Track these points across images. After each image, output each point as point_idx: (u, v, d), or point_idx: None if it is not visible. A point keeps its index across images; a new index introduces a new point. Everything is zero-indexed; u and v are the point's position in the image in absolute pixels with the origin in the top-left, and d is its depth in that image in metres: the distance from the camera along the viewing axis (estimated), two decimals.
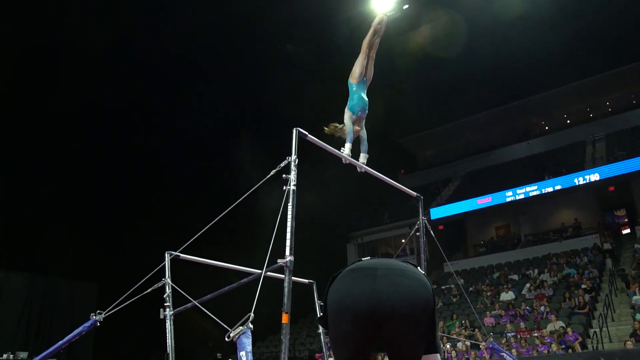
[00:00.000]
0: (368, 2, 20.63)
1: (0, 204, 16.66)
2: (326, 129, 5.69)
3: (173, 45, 19.37)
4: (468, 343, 13.80)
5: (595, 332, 13.58)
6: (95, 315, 5.18)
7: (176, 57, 19.63)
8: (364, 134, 5.70)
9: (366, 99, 5.65)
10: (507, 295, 17.54)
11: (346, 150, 5.37)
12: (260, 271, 4.45)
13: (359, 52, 5.76)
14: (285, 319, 3.57)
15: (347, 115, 5.57)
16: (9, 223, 16.77)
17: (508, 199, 22.66)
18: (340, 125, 5.65)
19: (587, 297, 15.31)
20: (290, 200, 4.11)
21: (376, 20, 5.73)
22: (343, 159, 5.37)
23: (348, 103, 5.62)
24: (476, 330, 15.25)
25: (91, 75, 18.07)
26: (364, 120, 5.69)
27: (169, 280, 5.59)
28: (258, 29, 20.61)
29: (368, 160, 5.71)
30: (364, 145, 5.71)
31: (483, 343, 7.83)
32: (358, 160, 5.60)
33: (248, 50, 22.09)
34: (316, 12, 19.95)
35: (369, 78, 5.71)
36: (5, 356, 12.39)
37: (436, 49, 22.67)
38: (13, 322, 15.40)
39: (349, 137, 5.43)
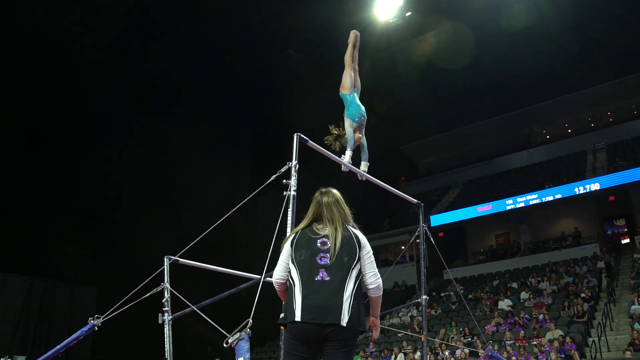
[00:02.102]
0: (370, 8, 20.84)
1: (0, 206, 16.66)
2: (329, 137, 5.70)
3: (174, 51, 19.46)
4: (467, 350, 13.76)
5: (594, 341, 13.55)
6: (93, 320, 5.16)
7: (177, 63, 19.70)
8: (364, 141, 5.73)
9: (362, 107, 5.74)
10: (506, 303, 17.51)
11: (347, 157, 5.38)
12: (259, 276, 4.45)
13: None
14: None
15: (348, 123, 5.61)
16: (9, 226, 16.76)
17: (508, 207, 22.65)
18: (342, 133, 5.65)
19: (586, 306, 15.28)
20: (291, 205, 4.12)
21: (351, 37, 6.00)
22: (343, 166, 5.36)
23: (346, 112, 5.69)
24: (475, 337, 15.21)
25: (91, 82, 18.16)
26: (364, 128, 5.72)
27: (167, 285, 5.59)
28: (260, 35, 20.66)
29: (368, 167, 5.72)
30: (365, 154, 5.75)
31: (482, 351, 7.82)
32: (359, 168, 5.60)
33: (250, 56, 22.15)
34: (318, 19, 20.02)
35: (358, 88, 5.88)
36: None
37: (439, 58, 22.72)
38: (11, 325, 15.32)
39: (350, 145, 5.45)
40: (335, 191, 3.18)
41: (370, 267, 2.95)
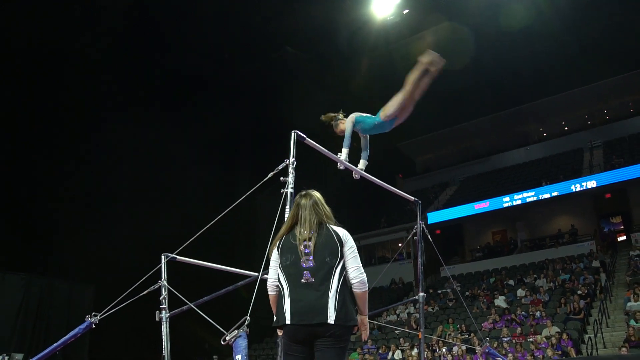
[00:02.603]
0: (368, 6, 20.81)
1: None
2: (323, 117, 5.45)
3: (176, 52, 19.45)
4: (464, 347, 13.81)
5: (590, 337, 13.60)
6: (90, 317, 5.17)
7: (178, 64, 19.71)
8: (367, 139, 5.51)
9: (374, 132, 5.38)
10: (502, 301, 17.57)
11: (343, 155, 5.08)
12: (257, 274, 4.47)
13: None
14: None
15: (351, 121, 5.18)
16: (7, 223, 16.75)
17: (505, 205, 22.70)
18: (340, 116, 5.38)
19: (582, 303, 15.34)
20: (288, 203, 4.13)
21: (426, 58, 5.04)
22: (339, 164, 5.09)
23: (361, 114, 5.29)
24: (472, 334, 15.26)
25: (91, 81, 18.16)
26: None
27: (165, 283, 5.59)
28: (258, 34, 20.65)
29: (367, 165, 5.58)
30: (366, 152, 5.52)
31: (479, 348, 7.85)
32: (357, 166, 5.46)
33: (248, 56, 22.13)
34: (316, 17, 20.01)
35: (401, 118, 5.26)
36: (1, 357, 12.33)
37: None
38: (9, 323, 15.30)
39: (347, 143, 5.13)
40: (314, 192, 3.24)
41: (352, 263, 3.00)
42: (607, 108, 27.54)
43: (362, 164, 5.53)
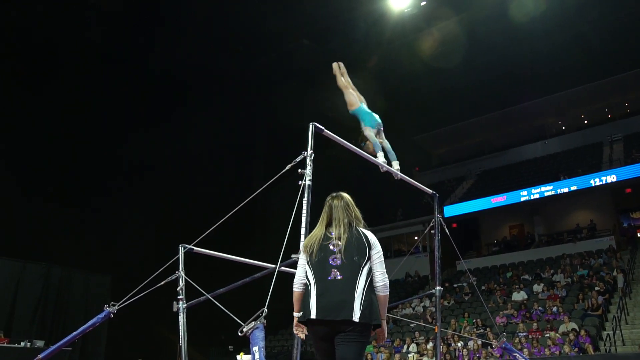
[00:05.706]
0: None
1: (21, 195, 16.89)
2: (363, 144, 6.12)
3: (190, 43, 19.52)
4: (479, 342, 13.73)
5: (608, 334, 13.43)
6: (108, 307, 5.25)
7: (193, 55, 19.80)
8: (386, 144, 6.10)
9: (375, 114, 6.16)
10: (519, 295, 17.42)
11: (380, 158, 5.76)
12: (274, 266, 4.48)
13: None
14: None
15: (368, 131, 6.03)
16: (27, 213, 17.00)
17: (523, 199, 22.46)
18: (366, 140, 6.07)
19: (600, 299, 15.13)
20: (306, 195, 4.13)
21: (334, 69, 6.53)
22: (380, 167, 5.74)
23: (363, 124, 6.11)
24: (488, 329, 15.17)
25: (114, 72, 18.36)
26: (383, 133, 6.15)
27: (182, 274, 5.65)
28: (274, 25, 20.60)
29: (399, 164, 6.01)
30: (390, 153, 6.04)
31: (496, 342, 7.80)
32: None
33: (264, 47, 22.12)
34: (332, 8, 19.91)
35: (363, 100, 6.34)
36: (22, 344, 12.57)
37: (452, 49, 22.39)
38: (30, 311, 15.60)
39: (377, 147, 5.86)
40: (345, 195, 3.38)
41: (379, 267, 3.16)
42: (628, 101, 27.01)
43: (396, 164, 6.01)
